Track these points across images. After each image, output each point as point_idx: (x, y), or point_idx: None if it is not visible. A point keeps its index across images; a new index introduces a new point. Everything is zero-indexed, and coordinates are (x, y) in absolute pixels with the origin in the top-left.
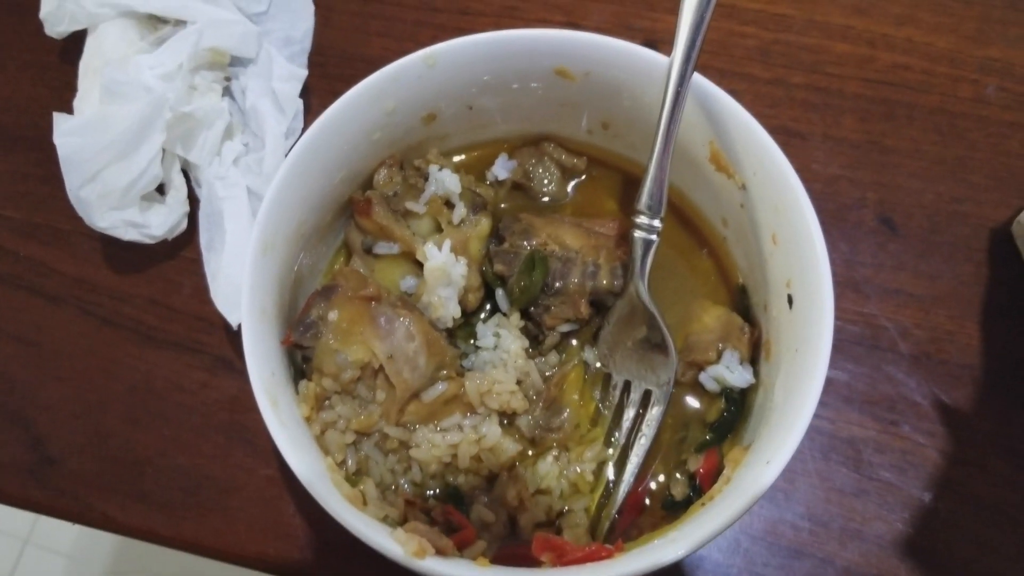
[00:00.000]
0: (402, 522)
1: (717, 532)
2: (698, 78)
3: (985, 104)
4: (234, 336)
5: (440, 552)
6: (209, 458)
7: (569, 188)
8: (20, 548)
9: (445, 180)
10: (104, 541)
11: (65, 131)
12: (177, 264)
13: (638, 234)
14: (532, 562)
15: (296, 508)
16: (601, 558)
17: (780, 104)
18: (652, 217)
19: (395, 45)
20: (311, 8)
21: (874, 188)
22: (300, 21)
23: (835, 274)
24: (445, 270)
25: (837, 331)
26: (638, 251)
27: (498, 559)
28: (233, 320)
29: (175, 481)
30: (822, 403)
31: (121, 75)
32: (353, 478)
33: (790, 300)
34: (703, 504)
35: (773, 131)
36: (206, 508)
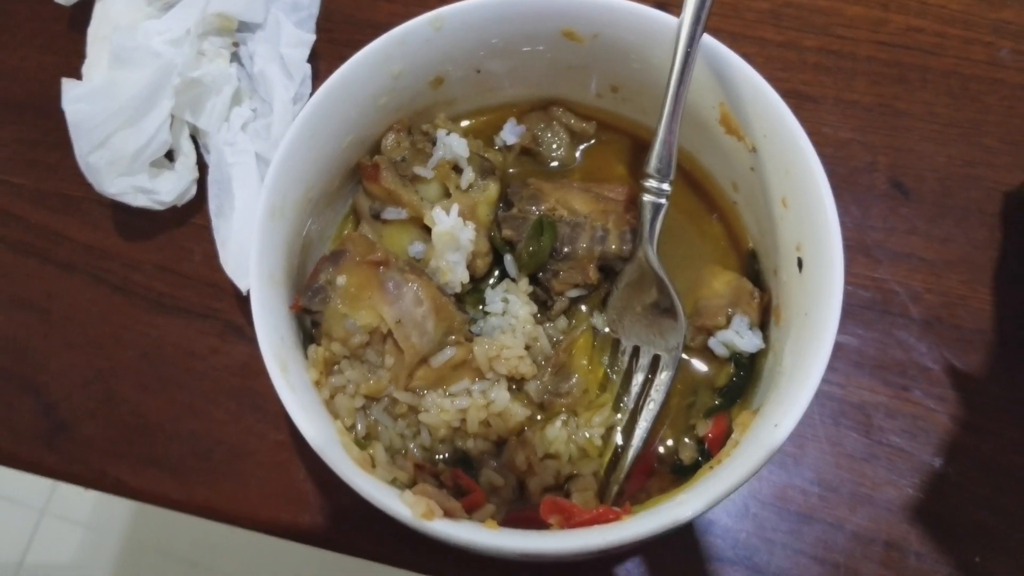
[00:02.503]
0: (411, 486)
1: (724, 495)
2: (708, 39)
3: (999, 67)
4: (244, 302)
5: (449, 514)
6: (220, 423)
7: (578, 153)
8: (37, 518)
9: (453, 145)
10: (120, 511)
11: (74, 97)
12: (187, 230)
13: (647, 198)
14: (540, 525)
15: (307, 473)
16: (609, 520)
17: (792, 67)
18: (661, 181)
19: (402, 10)
20: None
21: (886, 152)
22: None
23: (846, 238)
24: (453, 235)
25: (847, 296)
26: (647, 215)
27: (507, 522)
28: (243, 286)
29: (187, 446)
30: (832, 368)
31: (129, 41)
32: (362, 442)
33: (800, 264)
34: (711, 468)
35: (785, 95)
36: (218, 473)
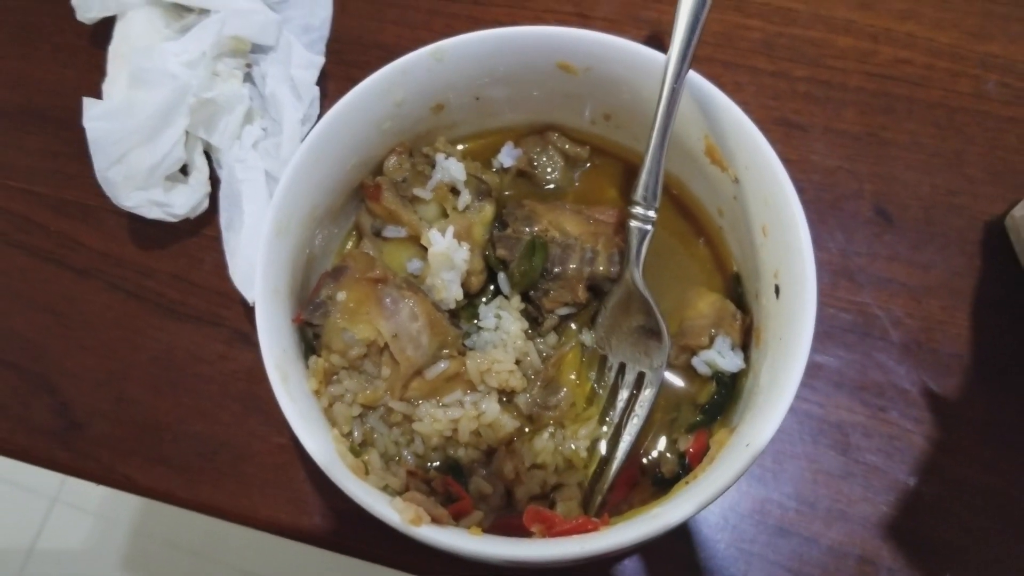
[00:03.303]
0: (403, 492)
1: (697, 509)
2: (693, 75)
3: (985, 99)
4: (251, 311)
5: (435, 521)
6: (225, 426)
7: (572, 176)
8: (49, 506)
9: (451, 168)
10: (130, 502)
11: (94, 116)
12: (199, 241)
13: (634, 224)
14: (525, 533)
15: (307, 475)
16: (587, 530)
17: (783, 96)
18: (647, 208)
19: (409, 33)
20: None
21: (872, 179)
22: (319, 9)
23: (830, 263)
24: (448, 255)
25: (830, 318)
26: (634, 240)
27: (493, 529)
28: (249, 297)
29: (193, 447)
30: (812, 388)
31: (147, 62)
32: (359, 449)
33: (777, 290)
34: (687, 483)
35: (775, 123)
36: (222, 473)
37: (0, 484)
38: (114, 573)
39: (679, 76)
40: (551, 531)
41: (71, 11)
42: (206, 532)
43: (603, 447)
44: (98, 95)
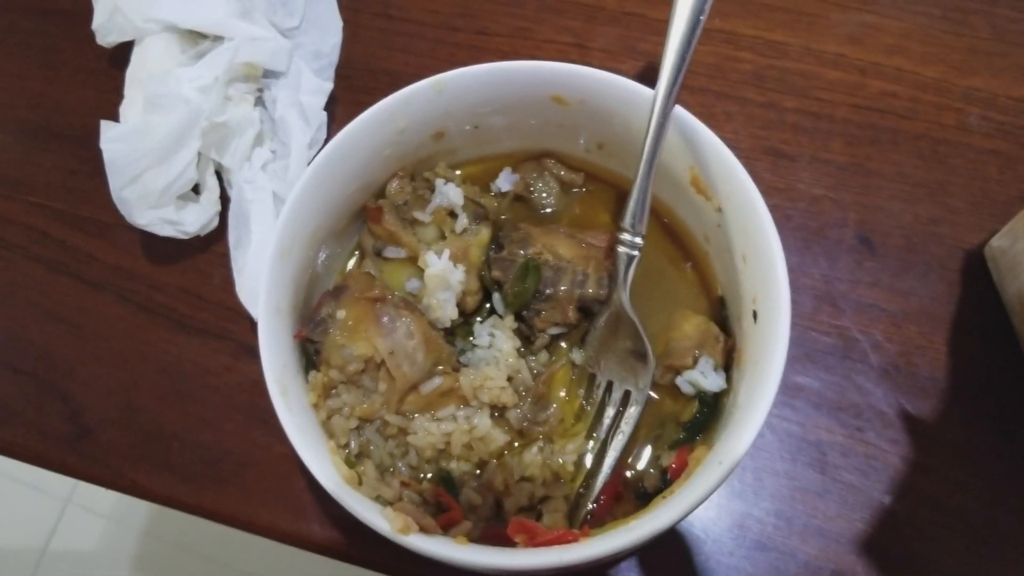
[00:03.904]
0: (395, 502)
1: (671, 523)
2: (679, 110)
3: (967, 132)
4: (257, 326)
5: (424, 530)
6: (230, 435)
7: (567, 201)
8: (62, 507)
9: (450, 194)
10: (141, 506)
11: (110, 138)
12: (208, 257)
13: (621, 249)
14: (511, 542)
15: (306, 484)
16: (568, 541)
17: (772, 126)
18: (634, 235)
19: (415, 60)
20: (340, 24)
21: (856, 208)
22: (329, 36)
23: (813, 288)
24: (444, 276)
25: (811, 341)
26: (621, 264)
27: (483, 538)
28: (254, 313)
29: (198, 454)
30: (793, 407)
31: (162, 87)
32: (355, 460)
33: (755, 315)
34: (664, 497)
35: (764, 152)
36: (225, 480)
37: (15, 485)
38: (125, 575)
39: (665, 111)
40: (533, 541)
41: (91, 35)
42: (216, 537)
43: (589, 461)
44: (115, 116)
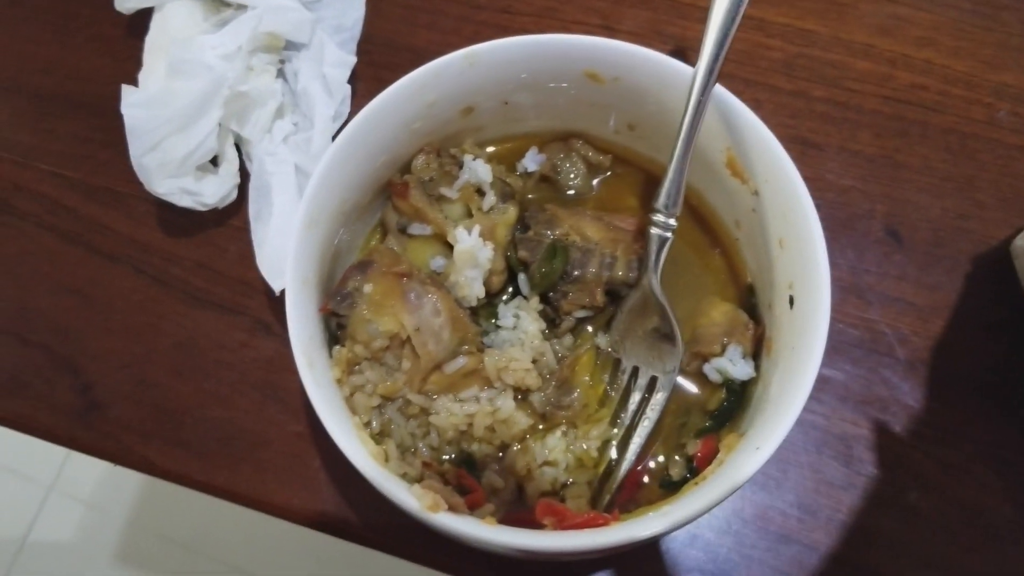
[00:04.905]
0: (419, 481)
1: (706, 508)
2: (719, 89)
3: (996, 127)
4: (274, 301)
5: (452, 509)
6: (243, 412)
7: (594, 183)
8: (44, 495)
9: (478, 170)
10: (125, 494)
11: (132, 103)
12: (225, 231)
13: (654, 231)
14: (535, 527)
15: (321, 463)
16: (598, 525)
17: (800, 115)
18: (668, 216)
19: (439, 38)
20: None
21: (883, 201)
22: (351, 10)
23: (840, 280)
24: (473, 253)
25: (838, 333)
26: (653, 247)
27: (504, 522)
28: (276, 286)
29: (211, 431)
30: (818, 400)
31: (186, 53)
32: (376, 438)
33: (791, 301)
34: (696, 484)
35: (792, 141)
36: (238, 458)
37: None
38: (106, 564)
39: (706, 88)
40: (562, 524)
41: (109, 1)
42: (199, 526)
43: (613, 448)
44: (133, 84)
